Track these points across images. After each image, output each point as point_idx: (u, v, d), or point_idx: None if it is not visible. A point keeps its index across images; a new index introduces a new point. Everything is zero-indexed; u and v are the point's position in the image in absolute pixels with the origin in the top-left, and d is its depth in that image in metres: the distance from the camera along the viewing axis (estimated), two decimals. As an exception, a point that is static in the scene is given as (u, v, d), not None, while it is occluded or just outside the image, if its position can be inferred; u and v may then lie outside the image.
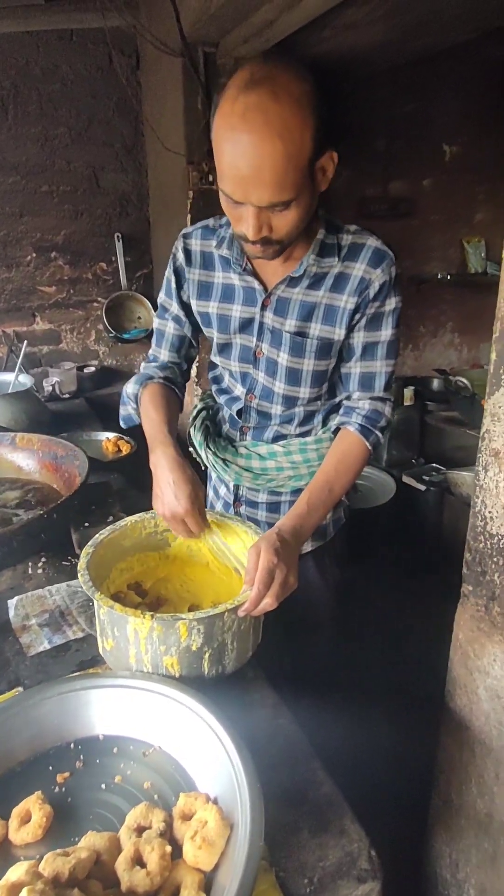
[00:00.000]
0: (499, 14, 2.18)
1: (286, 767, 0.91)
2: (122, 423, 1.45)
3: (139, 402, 1.36)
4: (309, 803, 0.86)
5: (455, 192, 3.76)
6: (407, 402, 3.43)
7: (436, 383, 3.71)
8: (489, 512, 1.12)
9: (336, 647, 1.73)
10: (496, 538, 1.12)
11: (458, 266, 3.94)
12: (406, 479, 3.17)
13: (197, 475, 1.18)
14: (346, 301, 1.22)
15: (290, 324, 1.26)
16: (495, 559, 1.12)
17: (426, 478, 3.11)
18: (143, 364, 1.46)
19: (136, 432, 2.33)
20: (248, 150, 0.96)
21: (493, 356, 1.07)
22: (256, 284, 1.27)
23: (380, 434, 1.30)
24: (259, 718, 0.99)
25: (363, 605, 2.65)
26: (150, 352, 1.46)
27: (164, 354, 1.42)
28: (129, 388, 1.40)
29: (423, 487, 3.07)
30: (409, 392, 3.43)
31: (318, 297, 1.24)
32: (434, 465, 3.24)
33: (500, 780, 1.17)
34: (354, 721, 1.59)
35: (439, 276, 3.76)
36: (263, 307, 1.28)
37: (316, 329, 1.26)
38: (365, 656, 2.39)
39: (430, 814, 1.39)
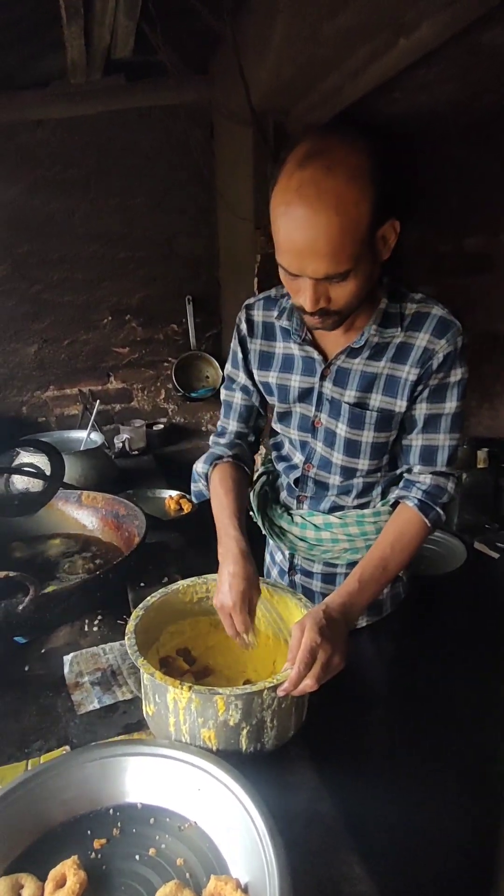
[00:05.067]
0: None
1: (322, 859, 0.86)
2: (193, 499, 1.47)
3: (209, 480, 1.38)
4: (344, 901, 0.81)
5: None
6: (480, 465, 3.28)
7: (514, 445, 3.58)
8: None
9: (394, 727, 1.62)
10: None
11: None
12: (478, 545, 3.01)
13: (257, 575, 1.17)
14: (409, 372, 1.18)
15: (350, 395, 1.23)
16: None
17: (501, 545, 2.95)
18: (211, 439, 1.46)
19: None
20: (301, 223, 0.96)
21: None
22: (316, 355, 1.25)
23: (441, 511, 1.23)
24: (297, 802, 0.95)
25: (428, 681, 2.49)
26: (219, 423, 1.46)
27: (233, 425, 1.42)
28: (199, 467, 1.42)
29: (496, 555, 2.91)
30: (482, 454, 3.29)
31: (379, 368, 1.21)
32: (510, 531, 3.08)
33: None
34: (409, 812, 1.46)
35: (520, 332, 3.64)
36: (323, 377, 1.26)
37: (376, 400, 1.23)
38: (428, 739, 2.22)
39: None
